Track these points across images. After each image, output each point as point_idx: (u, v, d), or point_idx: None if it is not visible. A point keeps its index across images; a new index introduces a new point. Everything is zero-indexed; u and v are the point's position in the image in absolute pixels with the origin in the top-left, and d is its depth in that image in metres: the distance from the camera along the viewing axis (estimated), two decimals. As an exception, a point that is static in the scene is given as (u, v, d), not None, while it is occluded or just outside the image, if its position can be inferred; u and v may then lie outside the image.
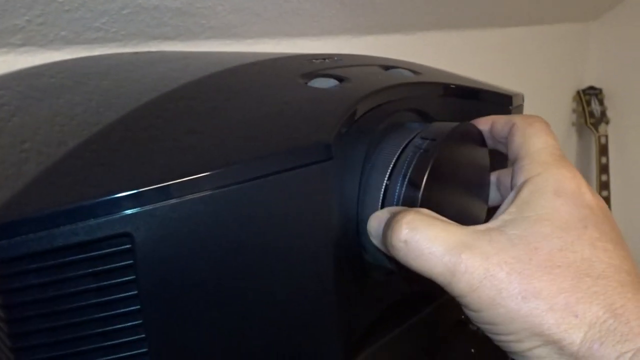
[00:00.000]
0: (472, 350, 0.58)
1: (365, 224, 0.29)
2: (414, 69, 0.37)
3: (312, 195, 0.24)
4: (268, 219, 0.23)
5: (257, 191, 0.23)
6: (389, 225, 0.25)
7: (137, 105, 0.28)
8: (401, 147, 0.29)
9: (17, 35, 0.57)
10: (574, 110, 1.75)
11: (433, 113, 0.34)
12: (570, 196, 0.26)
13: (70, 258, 0.20)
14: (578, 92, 1.71)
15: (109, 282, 0.21)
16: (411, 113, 0.33)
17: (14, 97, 0.41)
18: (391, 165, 0.29)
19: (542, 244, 0.24)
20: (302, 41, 0.88)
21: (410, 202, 0.29)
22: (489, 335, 0.26)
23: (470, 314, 0.25)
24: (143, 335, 0.22)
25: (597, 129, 1.68)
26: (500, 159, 0.37)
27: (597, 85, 1.72)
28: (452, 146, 0.31)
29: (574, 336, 0.22)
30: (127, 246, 0.21)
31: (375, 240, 0.27)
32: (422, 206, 0.27)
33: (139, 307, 0.21)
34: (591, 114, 1.69)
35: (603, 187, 1.67)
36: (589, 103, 1.70)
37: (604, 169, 1.66)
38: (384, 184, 0.29)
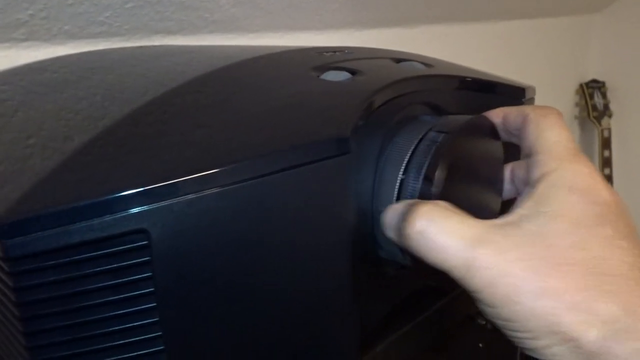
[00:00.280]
0: (480, 345, 0.58)
1: (380, 219, 0.29)
2: (425, 61, 0.36)
3: (329, 190, 0.24)
4: (284, 213, 0.23)
5: (274, 186, 0.22)
6: (404, 216, 0.25)
7: (145, 100, 0.27)
8: (416, 141, 0.29)
9: (20, 29, 0.57)
10: (576, 104, 1.75)
11: (446, 106, 0.33)
12: (585, 193, 0.25)
13: (86, 255, 0.20)
14: (581, 85, 1.71)
15: (124, 279, 0.20)
16: (424, 106, 0.33)
17: (17, 92, 0.41)
18: (406, 159, 0.29)
19: (557, 241, 0.24)
20: (305, 35, 0.87)
21: (425, 196, 0.28)
22: (504, 331, 0.25)
23: (485, 309, 0.25)
24: (159, 333, 0.21)
25: (599, 123, 1.67)
26: (513, 151, 0.36)
27: (600, 79, 1.72)
28: (466, 139, 0.30)
29: (590, 334, 0.22)
30: (144, 243, 0.20)
31: (390, 232, 0.27)
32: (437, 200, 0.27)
33: (155, 304, 0.21)
34: (594, 108, 1.69)
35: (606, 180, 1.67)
36: (591, 96, 1.69)
37: (606, 162, 1.66)
38: (399, 179, 0.28)
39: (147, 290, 0.21)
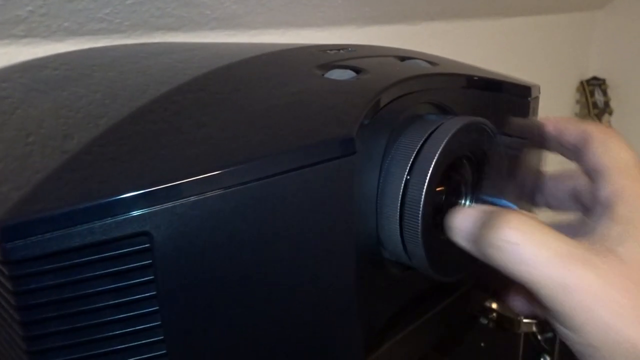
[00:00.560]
0: (482, 345, 0.58)
1: (385, 219, 0.29)
2: (429, 59, 0.36)
3: (334, 191, 0.24)
4: (289, 215, 0.22)
5: (279, 187, 0.22)
6: (488, 224, 0.24)
7: (147, 98, 0.27)
8: (422, 141, 0.29)
9: (19, 26, 0.56)
10: (577, 101, 1.74)
11: (451, 105, 0.33)
12: None
13: (87, 258, 0.19)
14: (581, 83, 1.70)
15: (126, 282, 0.20)
16: (429, 105, 0.32)
17: (17, 90, 0.40)
18: (411, 159, 0.28)
19: None
20: (307, 31, 0.86)
21: (430, 197, 0.28)
22: (581, 355, 0.24)
23: (565, 332, 0.23)
24: (162, 337, 0.21)
25: (600, 120, 1.67)
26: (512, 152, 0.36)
27: (600, 76, 1.71)
28: (471, 139, 0.30)
29: None
30: (146, 245, 0.20)
31: (460, 237, 0.26)
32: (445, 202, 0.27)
33: (157, 307, 0.20)
34: (595, 105, 1.68)
35: (606, 178, 1.66)
36: (592, 94, 1.69)
37: (607, 160, 1.66)
38: (405, 179, 0.28)
39: (149, 294, 0.20)
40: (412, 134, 0.29)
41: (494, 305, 0.54)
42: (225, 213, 0.21)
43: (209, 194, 0.20)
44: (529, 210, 0.33)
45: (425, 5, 1.03)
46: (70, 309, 0.20)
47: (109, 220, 0.19)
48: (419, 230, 0.27)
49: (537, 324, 0.51)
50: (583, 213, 0.32)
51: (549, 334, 0.51)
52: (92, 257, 0.19)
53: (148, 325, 0.21)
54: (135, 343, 0.21)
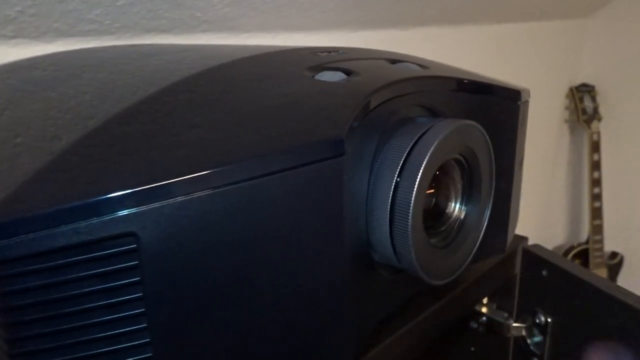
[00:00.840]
0: (472, 349, 0.58)
1: (375, 222, 0.29)
2: (420, 63, 0.36)
3: (323, 193, 0.24)
4: (278, 216, 0.22)
5: (267, 188, 0.22)
6: None
7: (136, 99, 0.26)
8: (411, 143, 0.28)
9: (8, 26, 0.56)
10: (566, 107, 1.76)
11: (441, 108, 0.33)
12: None
13: (72, 259, 0.19)
14: (571, 89, 1.72)
15: (112, 283, 0.20)
16: (420, 108, 0.32)
17: (4, 91, 0.40)
18: (401, 162, 0.28)
19: None
20: (298, 35, 0.86)
21: (420, 199, 0.28)
22: None
23: None
24: (148, 340, 0.20)
25: (589, 126, 1.68)
26: (500, 152, 0.36)
27: (589, 82, 1.73)
28: (460, 142, 0.30)
29: None
30: (132, 246, 0.19)
31: None
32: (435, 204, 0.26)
33: (143, 310, 0.20)
34: (584, 111, 1.70)
35: (595, 183, 1.67)
36: (581, 100, 1.70)
37: (596, 165, 1.67)
38: (395, 181, 0.28)
39: (136, 295, 0.20)
40: (402, 136, 0.29)
41: (484, 309, 0.54)
42: (214, 214, 0.21)
43: (197, 194, 0.20)
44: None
45: (417, 11, 1.04)
46: (55, 311, 0.19)
47: (95, 220, 0.19)
48: (409, 233, 0.27)
49: (526, 328, 0.51)
50: None
51: (539, 338, 0.51)
52: (78, 258, 0.19)
53: (134, 328, 0.20)
54: (121, 345, 0.20)
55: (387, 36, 1.03)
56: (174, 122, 0.24)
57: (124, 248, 0.19)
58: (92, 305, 0.20)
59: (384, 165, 0.28)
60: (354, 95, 0.27)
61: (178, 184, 0.20)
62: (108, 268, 0.19)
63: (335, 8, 0.87)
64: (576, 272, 0.45)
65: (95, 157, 0.21)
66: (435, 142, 0.28)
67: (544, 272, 0.48)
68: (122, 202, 0.19)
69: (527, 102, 0.39)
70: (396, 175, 0.28)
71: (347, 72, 0.30)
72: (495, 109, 0.35)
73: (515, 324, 0.51)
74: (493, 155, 0.33)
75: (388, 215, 0.28)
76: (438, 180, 0.32)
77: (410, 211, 0.27)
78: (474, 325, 0.55)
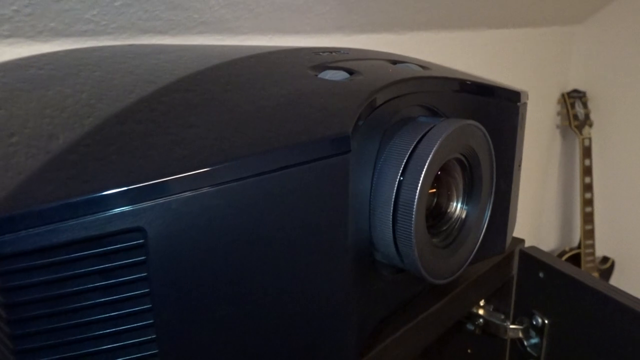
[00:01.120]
0: (469, 351, 0.58)
1: (378, 220, 0.29)
2: (421, 64, 0.36)
3: (328, 189, 0.23)
4: (284, 212, 0.22)
5: (274, 184, 0.22)
6: None
7: (134, 99, 0.26)
8: (414, 142, 0.29)
9: (3, 25, 0.55)
10: (558, 113, 1.77)
11: (443, 108, 0.33)
12: None
13: (77, 254, 0.19)
14: (563, 95, 1.73)
15: (118, 279, 0.19)
16: (421, 108, 0.32)
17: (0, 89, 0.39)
18: (404, 161, 0.28)
19: None
20: (294, 38, 0.86)
21: (423, 197, 0.28)
22: None
23: None
24: (154, 336, 0.20)
25: (581, 132, 1.70)
26: (501, 152, 0.36)
27: (581, 89, 1.74)
28: (462, 142, 0.30)
29: None
30: (139, 241, 0.19)
31: None
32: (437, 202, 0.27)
33: (150, 306, 0.20)
34: (575, 117, 1.71)
35: (586, 189, 1.69)
36: (573, 106, 1.72)
37: (587, 171, 1.68)
38: (398, 180, 0.28)
39: (142, 291, 0.20)
40: (405, 135, 0.29)
41: (481, 312, 0.54)
42: (220, 209, 0.20)
43: (204, 190, 0.20)
44: None
45: (412, 16, 1.04)
46: (59, 307, 0.19)
47: (101, 215, 0.19)
48: (413, 231, 0.27)
49: (523, 330, 0.52)
50: None
51: (535, 340, 0.51)
52: (83, 253, 0.19)
53: (140, 324, 0.20)
54: (126, 342, 0.20)
55: (382, 40, 1.03)
56: (184, 118, 0.24)
57: (131, 243, 0.19)
58: (98, 301, 0.19)
59: (387, 164, 0.28)
60: (357, 94, 0.27)
61: (185, 179, 0.20)
62: (114, 263, 0.19)
63: (331, 12, 0.87)
64: (573, 273, 0.46)
65: (100, 153, 0.21)
66: (438, 141, 0.28)
67: (541, 274, 0.48)
68: (129, 197, 0.19)
69: (525, 103, 0.40)
70: (399, 173, 0.28)
71: (350, 72, 0.30)
72: (496, 110, 0.35)
73: (512, 326, 0.51)
74: (494, 155, 0.33)
75: (391, 214, 0.28)
76: (440, 180, 0.32)
77: (414, 209, 0.27)
78: (470, 327, 0.55)
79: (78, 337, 0.19)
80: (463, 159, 0.32)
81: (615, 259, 1.77)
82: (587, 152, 1.69)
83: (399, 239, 0.28)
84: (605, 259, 1.77)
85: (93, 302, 0.19)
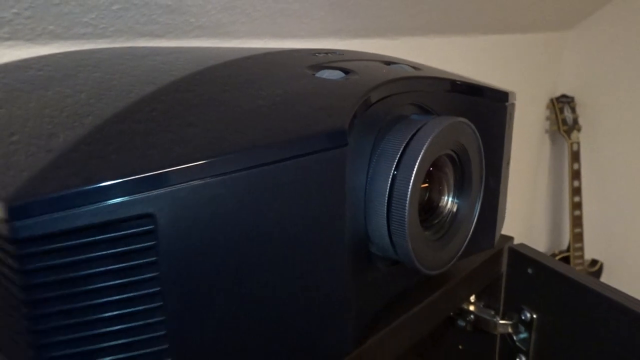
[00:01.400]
0: (460, 347, 0.59)
1: (373, 213, 0.30)
2: (413, 65, 0.37)
3: (327, 181, 0.25)
4: (285, 201, 0.24)
5: (276, 175, 0.23)
6: None
7: (133, 99, 0.27)
8: (408, 138, 0.30)
9: (3, 28, 0.56)
10: (547, 118, 1.80)
11: (434, 106, 0.34)
12: None
13: (91, 239, 0.20)
14: (552, 100, 1.76)
15: (129, 263, 0.21)
16: (413, 106, 0.34)
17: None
18: (398, 156, 0.29)
19: None
20: (290, 42, 0.88)
21: (417, 190, 0.29)
22: None
23: None
24: (163, 318, 0.21)
25: (569, 136, 1.72)
26: (489, 147, 0.38)
27: (569, 94, 1.77)
28: (453, 138, 0.32)
29: None
30: (150, 227, 0.20)
31: None
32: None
33: (159, 289, 0.21)
34: (564, 122, 1.73)
35: (575, 192, 1.71)
36: (561, 111, 1.75)
37: (576, 175, 1.71)
38: (392, 174, 0.29)
39: (152, 274, 0.21)
40: (398, 131, 0.30)
41: (472, 308, 0.55)
42: (223, 198, 0.22)
43: (211, 179, 0.21)
44: None
45: (405, 21, 1.06)
46: (74, 289, 0.20)
47: (114, 202, 0.20)
48: (406, 224, 0.29)
49: (512, 325, 0.53)
50: None
51: (524, 335, 0.52)
52: (97, 238, 0.20)
53: (149, 306, 0.21)
54: (136, 324, 0.21)
55: (376, 45, 1.05)
56: (190, 112, 0.25)
57: (142, 229, 0.20)
58: (110, 283, 0.20)
59: (382, 159, 0.30)
60: (354, 92, 0.28)
61: (193, 169, 0.21)
62: (126, 248, 0.20)
63: (326, 17, 0.89)
64: (561, 269, 0.47)
65: (113, 143, 0.22)
66: (430, 137, 0.29)
67: (530, 270, 0.50)
68: (141, 185, 0.20)
69: (513, 104, 0.41)
70: (393, 168, 0.29)
71: (346, 71, 0.31)
72: (485, 109, 0.37)
73: (501, 321, 0.53)
74: (483, 152, 0.34)
75: (385, 207, 0.29)
76: (432, 175, 0.33)
77: (407, 202, 0.29)
78: (461, 323, 0.56)
79: (91, 317, 0.21)
80: (454, 155, 0.33)
81: (604, 261, 1.79)
82: (575, 157, 1.71)
83: (393, 231, 0.29)
84: (594, 262, 1.80)
85: (106, 284, 0.20)
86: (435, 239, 0.33)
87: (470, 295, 0.53)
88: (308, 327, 0.27)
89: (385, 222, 0.29)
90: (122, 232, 0.20)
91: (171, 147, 0.21)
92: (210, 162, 0.21)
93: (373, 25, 0.98)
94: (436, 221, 0.33)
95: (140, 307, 0.21)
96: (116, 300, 0.21)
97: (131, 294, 0.21)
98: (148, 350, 0.21)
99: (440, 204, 0.34)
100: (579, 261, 1.69)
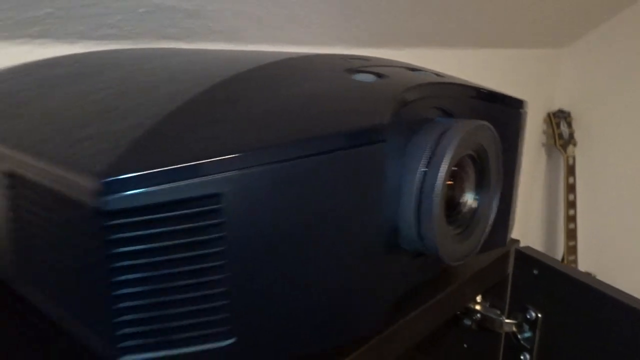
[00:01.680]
0: (465, 345, 0.61)
1: (404, 205, 0.32)
2: (434, 72, 0.40)
3: (368, 171, 0.27)
4: (333, 188, 0.26)
5: (328, 163, 0.25)
6: None
7: (203, 90, 0.29)
8: (436, 138, 0.32)
9: (35, 27, 0.58)
10: (544, 132, 1.84)
11: (456, 111, 0.37)
12: None
13: (168, 214, 0.22)
14: (548, 115, 1.79)
15: (199, 237, 0.23)
16: (436, 109, 0.37)
17: (87, 75, 0.41)
18: (428, 154, 0.32)
19: None
20: (299, 49, 0.91)
21: (443, 185, 0.32)
22: None
23: None
24: (226, 288, 0.24)
25: (565, 150, 1.76)
26: (505, 157, 0.40)
27: (566, 109, 1.80)
28: (477, 139, 0.34)
29: None
30: (218, 206, 0.23)
31: None
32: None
33: (224, 261, 0.23)
34: (560, 136, 1.77)
35: (570, 205, 1.74)
36: (558, 125, 1.78)
37: (571, 188, 1.74)
38: (422, 171, 0.32)
39: (219, 248, 0.23)
40: (428, 132, 0.33)
41: (478, 307, 0.58)
42: (283, 181, 0.24)
43: (273, 165, 0.24)
44: None
45: (407, 32, 1.10)
46: (152, 258, 0.22)
47: (189, 182, 0.22)
48: (434, 217, 0.31)
49: (517, 324, 0.55)
50: None
51: (529, 334, 0.55)
52: (173, 213, 0.22)
53: (214, 278, 0.23)
54: (202, 292, 0.23)
55: (381, 54, 1.08)
56: (247, 107, 0.27)
57: (211, 207, 0.23)
58: (181, 255, 0.23)
59: (413, 157, 0.32)
60: (389, 93, 0.30)
61: (257, 155, 0.23)
62: (197, 223, 0.23)
63: (335, 25, 0.92)
64: (566, 270, 0.50)
65: (186, 130, 0.24)
66: (458, 138, 0.32)
67: (535, 271, 0.52)
68: (212, 167, 0.22)
69: (526, 112, 0.44)
70: (424, 166, 0.32)
71: (378, 75, 0.34)
72: (501, 115, 0.40)
73: (507, 320, 0.55)
74: (501, 154, 0.37)
75: (416, 201, 0.32)
76: (455, 174, 0.36)
77: (437, 197, 0.31)
78: (467, 322, 0.59)
79: (166, 285, 0.23)
80: (475, 155, 0.36)
81: (597, 274, 1.82)
82: (571, 170, 1.75)
83: (422, 223, 0.32)
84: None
85: (177, 256, 0.23)
86: (456, 233, 0.35)
87: (478, 294, 0.55)
88: (348, 302, 0.29)
89: (415, 215, 0.32)
90: (194, 209, 0.23)
91: (238, 135, 0.24)
92: (272, 150, 0.23)
93: (377, 35, 1.01)
94: (458, 217, 0.36)
95: (207, 278, 0.23)
96: (186, 270, 0.23)
97: (199, 266, 0.23)
98: (212, 318, 0.24)
99: (461, 201, 0.36)
100: (573, 273, 1.71)
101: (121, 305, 0.22)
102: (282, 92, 0.29)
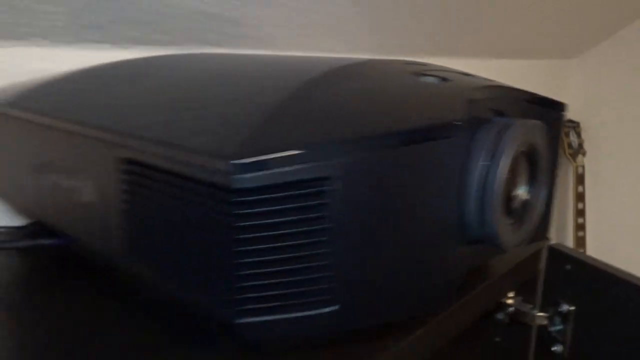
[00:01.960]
0: (497, 339, 0.64)
1: (468, 195, 0.36)
2: (482, 78, 0.44)
3: (446, 163, 0.31)
4: (418, 176, 0.29)
5: (419, 152, 0.29)
6: None
7: (299, 84, 0.32)
8: (495, 134, 0.36)
9: (97, 32, 0.62)
10: (554, 141, 1.86)
11: (509, 111, 0.40)
12: None
13: (284, 193, 0.26)
14: (559, 124, 1.81)
15: (309, 215, 0.26)
16: (491, 111, 0.40)
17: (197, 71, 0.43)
18: (490, 149, 0.35)
19: None
20: (327, 55, 0.94)
21: (502, 178, 0.35)
22: None
23: None
24: (330, 261, 0.27)
25: (574, 160, 1.78)
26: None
27: (575, 119, 1.83)
28: (534, 136, 0.38)
29: None
30: (327, 187, 0.26)
31: None
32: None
33: (327, 238, 0.27)
34: (569, 146, 1.79)
35: (579, 214, 1.77)
36: (567, 135, 1.80)
37: (580, 197, 1.77)
38: (486, 165, 0.35)
39: (325, 225, 0.26)
40: (491, 129, 0.36)
41: (510, 301, 0.61)
42: (379, 168, 0.27)
43: (372, 153, 0.27)
44: None
45: (422, 42, 1.13)
46: (269, 232, 0.26)
47: (304, 165, 0.25)
48: (496, 207, 0.34)
49: (549, 318, 0.58)
50: None
51: (560, 327, 0.57)
52: (288, 193, 0.26)
53: (320, 252, 0.27)
54: (311, 264, 0.27)
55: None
56: (341, 101, 0.31)
57: (320, 188, 0.26)
58: (295, 230, 0.26)
59: (476, 152, 0.35)
60: (457, 94, 0.34)
61: (359, 144, 0.27)
62: (309, 203, 0.26)
63: (357, 33, 0.95)
64: (599, 265, 0.53)
65: (299, 120, 0.28)
66: (518, 135, 0.35)
67: (568, 267, 0.55)
68: (324, 153, 0.26)
69: (566, 114, 0.47)
70: (486, 159, 0.35)
71: (442, 78, 0.37)
72: (546, 117, 0.43)
73: (539, 313, 0.58)
74: (549, 152, 0.40)
75: (479, 191, 0.35)
76: (511, 169, 0.39)
77: (498, 188, 0.34)
78: (500, 316, 0.61)
79: (279, 256, 0.26)
80: (528, 152, 0.39)
81: (606, 281, 1.84)
82: (580, 179, 1.77)
83: (485, 212, 0.35)
84: (596, 281, 1.84)
85: (291, 230, 0.26)
86: (510, 223, 0.39)
87: (512, 289, 0.58)
88: (423, 279, 0.32)
89: (478, 204, 0.35)
90: (306, 190, 0.26)
91: (342, 126, 0.27)
92: (372, 140, 0.27)
93: (396, 44, 1.05)
94: (512, 208, 0.39)
95: (314, 251, 0.27)
96: (297, 244, 0.26)
97: (309, 240, 0.26)
98: (319, 287, 0.27)
99: (516, 194, 0.39)
100: (583, 280, 1.73)
101: (242, 272, 0.26)
102: (367, 90, 0.32)
